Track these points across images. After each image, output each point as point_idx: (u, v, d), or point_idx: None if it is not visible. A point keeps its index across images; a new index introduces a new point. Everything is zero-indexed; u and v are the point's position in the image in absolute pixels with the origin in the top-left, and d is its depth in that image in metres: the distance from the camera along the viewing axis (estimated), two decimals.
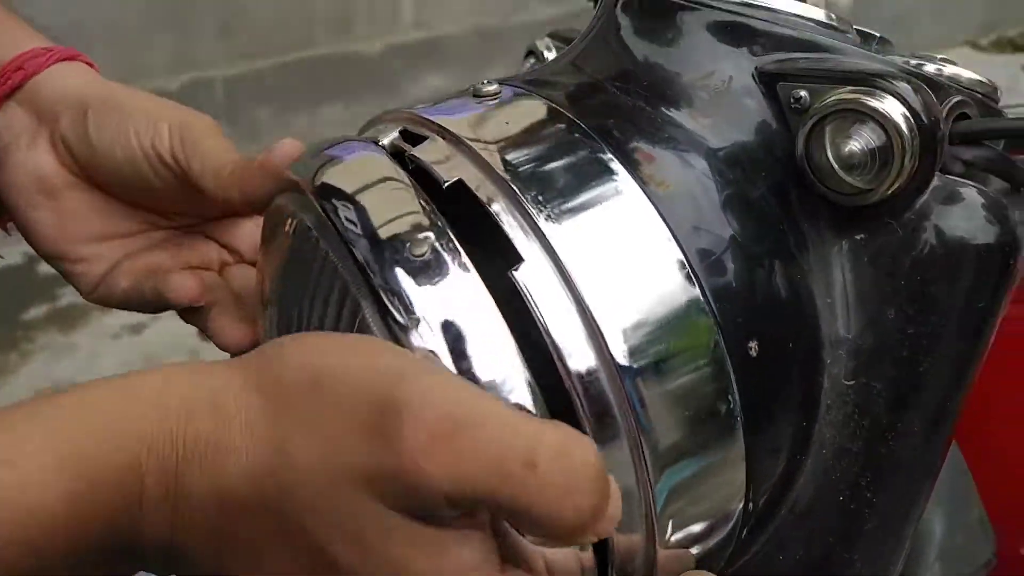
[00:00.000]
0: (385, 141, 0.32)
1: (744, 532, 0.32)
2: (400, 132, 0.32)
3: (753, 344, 0.29)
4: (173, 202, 0.42)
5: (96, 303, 0.43)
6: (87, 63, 0.44)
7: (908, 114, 0.30)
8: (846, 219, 0.32)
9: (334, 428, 0.23)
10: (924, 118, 0.30)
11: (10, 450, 0.23)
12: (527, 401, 0.25)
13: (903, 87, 0.30)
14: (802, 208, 0.33)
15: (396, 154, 0.31)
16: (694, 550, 0.30)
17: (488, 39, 3.18)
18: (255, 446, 0.23)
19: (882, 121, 0.30)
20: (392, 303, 0.25)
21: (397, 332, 0.25)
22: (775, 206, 0.32)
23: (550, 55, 0.45)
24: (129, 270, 0.42)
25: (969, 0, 3.62)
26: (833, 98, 0.31)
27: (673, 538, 0.29)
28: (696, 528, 0.30)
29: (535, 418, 0.25)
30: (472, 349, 0.25)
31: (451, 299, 0.26)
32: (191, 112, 0.41)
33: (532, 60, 0.46)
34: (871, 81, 0.30)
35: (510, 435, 0.22)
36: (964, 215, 0.32)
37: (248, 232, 0.44)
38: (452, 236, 0.27)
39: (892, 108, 0.30)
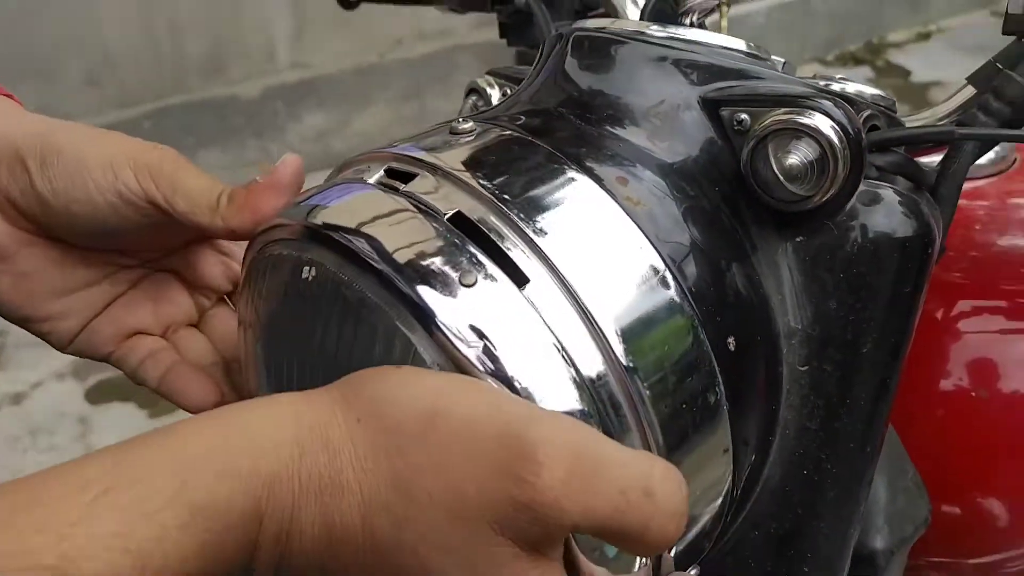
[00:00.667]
0: (372, 180, 0.34)
1: (729, 515, 0.36)
2: (385, 171, 0.34)
3: (731, 339, 0.33)
4: (138, 240, 0.41)
5: (76, 355, 0.41)
6: (6, 95, 0.41)
7: (837, 128, 0.34)
8: (788, 224, 0.37)
9: (459, 464, 0.24)
10: (850, 131, 0.34)
11: (145, 504, 0.23)
12: (576, 399, 0.28)
13: (828, 105, 0.35)
14: (750, 216, 0.37)
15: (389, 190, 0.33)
16: (691, 535, 0.33)
17: (367, 77, 3.19)
18: (368, 481, 0.24)
19: (817, 136, 0.34)
20: (455, 333, 0.27)
21: (462, 359, 0.27)
22: (728, 215, 0.36)
23: (493, 91, 0.48)
24: (111, 334, 0.41)
25: (812, 20, 3.93)
26: (771, 119, 0.35)
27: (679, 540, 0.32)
28: (695, 512, 0.33)
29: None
30: (530, 363, 0.28)
31: (504, 320, 0.28)
32: (146, 146, 0.39)
33: (475, 97, 0.49)
34: (801, 102, 0.35)
35: (629, 469, 0.25)
36: (885, 213, 0.37)
37: (212, 262, 0.43)
38: (488, 261, 0.29)
39: (823, 124, 0.34)
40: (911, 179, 0.41)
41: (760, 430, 0.36)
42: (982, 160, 0.62)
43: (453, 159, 0.33)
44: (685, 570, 0.36)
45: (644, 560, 0.30)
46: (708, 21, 0.55)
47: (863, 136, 0.35)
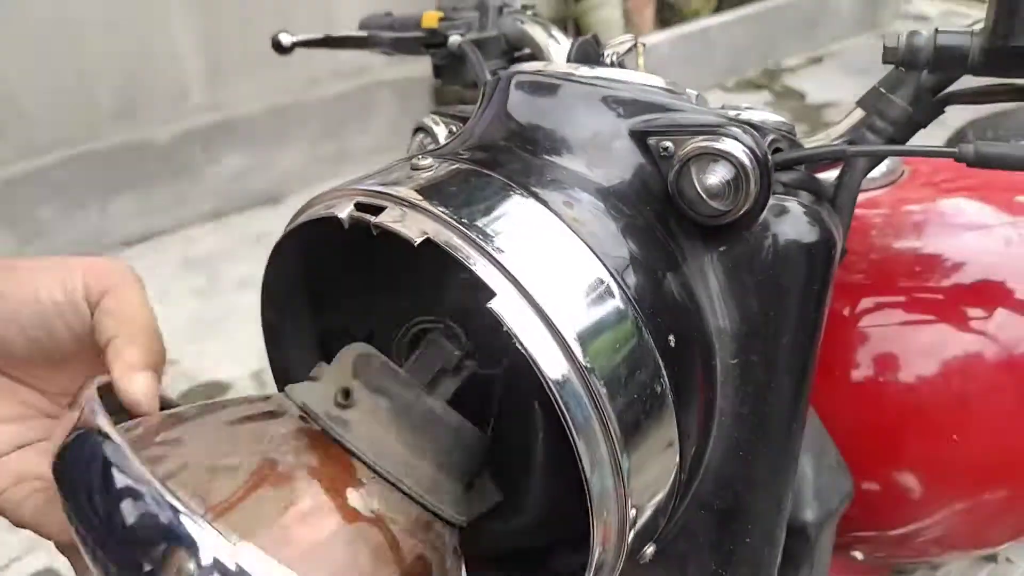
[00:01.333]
0: (343, 215, 0.37)
1: (676, 498, 0.40)
2: (355, 204, 0.38)
3: (671, 337, 0.37)
4: (55, 369, 0.41)
5: None
6: None
7: (747, 152, 0.40)
8: (711, 236, 0.42)
9: None
10: (758, 154, 0.40)
11: None
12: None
13: (739, 132, 0.40)
14: (679, 231, 0.42)
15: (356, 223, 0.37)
16: (647, 514, 0.38)
17: (284, 116, 3.19)
18: None
19: (731, 159, 0.39)
20: None
21: None
22: (660, 231, 0.41)
23: (439, 129, 0.52)
24: (33, 497, 0.39)
25: (712, 50, 4.12)
26: (692, 145, 0.40)
27: (638, 518, 0.37)
28: (648, 501, 0.37)
29: None
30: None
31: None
32: (102, 261, 0.41)
33: (422, 135, 0.53)
34: (716, 130, 0.40)
35: None
36: (792, 223, 0.42)
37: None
38: None
39: (735, 149, 0.40)
40: (812, 192, 0.47)
41: (701, 418, 0.41)
42: (875, 173, 0.69)
43: (416, 191, 0.37)
44: (643, 548, 0.41)
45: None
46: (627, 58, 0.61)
47: (769, 158, 0.41)
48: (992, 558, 0.76)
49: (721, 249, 0.42)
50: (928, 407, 0.58)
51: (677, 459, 0.38)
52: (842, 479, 0.52)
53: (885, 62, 0.47)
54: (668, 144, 0.41)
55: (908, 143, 0.50)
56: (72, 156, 2.72)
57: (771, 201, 0.42)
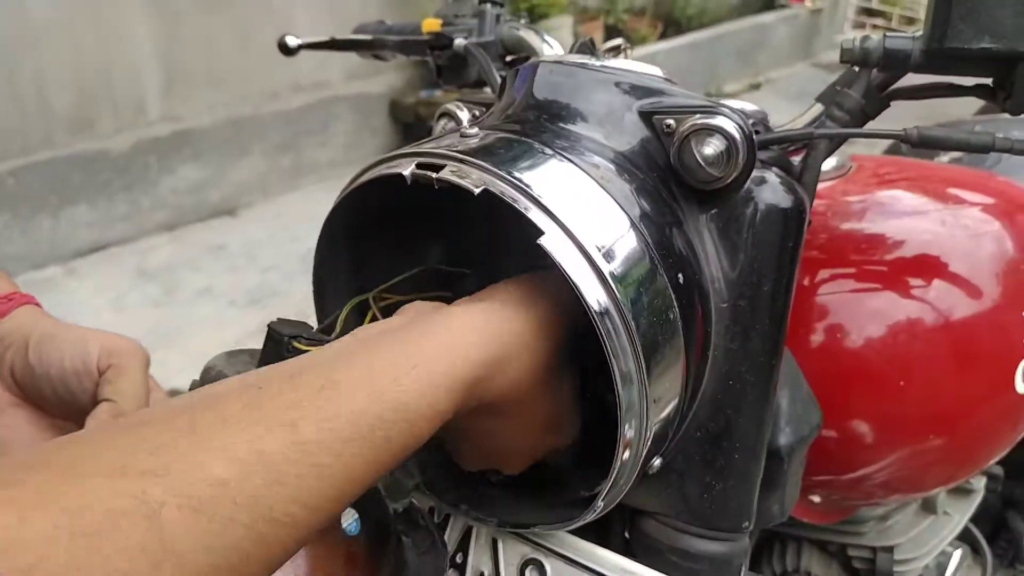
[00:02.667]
0: (407, 172, 0.44)
1: (679, 420, 0.48)
2: (416, 165, 0.45)
3: (680, 275, 0.45)
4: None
5: None
6: (35, 303, 0.55)
7: (737, 128, 0.48)
8: (706, 200, 0.50)
9: None
10: (745, 130, 0.48)
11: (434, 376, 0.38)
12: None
13: (729, 112, 0.49)
14: (680, 195, 0.50)
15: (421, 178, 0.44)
16: (661, 419, 0.45)
17: (242, 128, 3.22)
18: None
19: (724, 133, 0.48)
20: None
21: None
22: (665, 194, 0.49)
23: (463, 113, 0.59)
24: None
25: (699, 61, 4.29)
26: (691, 122, 0.48)
27: (656, 417, 0.44)
28: (660, 415, 0.45)
29: None
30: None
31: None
32: (117, 338, 0.52)
33: (445, 119, 0.60)
34: (710, 109, 0.49)
35: None
36: (771, 190, 0.51)
37: None
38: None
39: (728, 125, 0.48)
40: (785, 170, 0.56)
41: (699, 349, 0.49)
42: (827, 167, 0.79)
43: (469, 152, 0.44)
44: (652, 459, 0.48)
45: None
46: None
47: (754, 135, 0.49)
48: (932, 510, 0.86)
49: (714, 211, 0.50)
50: (876, 364, 0.68)
51: (682, 384, 0.46)
52: (812, 411, 0.60)
53: (842, 61, 0.56)
54: (671, 121, 0.49)
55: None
56: (26, 165, 2.70)
57: (754, 172, 0.50)
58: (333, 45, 0.88)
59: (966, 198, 0.78)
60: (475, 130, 0.47)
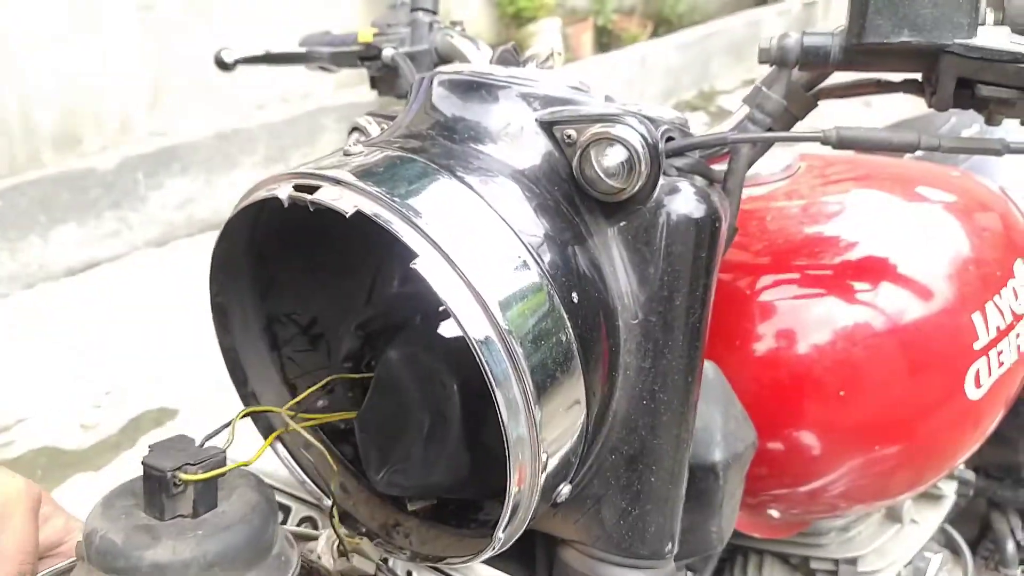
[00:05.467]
0: (284, 195, 0.42)
1: (585, 444, 0.46)
2: (294, 186, 0.43)
3: (575, 294, 0.43)
4: None
5: None
6: None
7: (639, 136, 0.46)
8: (612, 213, 0.48)
9: None
10: (649, 139, 0.46)
11: None
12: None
13: (632, 121, 0.46)
14: (584, 208, 0.48)
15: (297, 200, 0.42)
16: (562, 451, 0.43)
17: (230, 141, 3.21)
18: None
19: (624, 143, 0.45)
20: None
21: None
22: (567, 209, 0.47)
23: (372, 127, 0.57)
24: None
25: (649, 73, 4.27)
26: (591, 132, 0.46)
27: (550, 461, 0.42)
28: (559, 444, 0.43)
29: None
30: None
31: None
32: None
33: (356, 133, 0.58)
34: (612, 119, 0.46)
35: None
36: (683, 199, 0.48)
37: None
38: None
39: (628, 134, 0.46)
40: (704, 176, 0.54)
41: (606, 370, 0.46)
42: (774, 168, 0.77)
43: (348, 173, 0.42)
44: (557, 487, 0.46)
45: None
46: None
47: (660, 142, 0.47)
48: (898, 519, 0.83)
49: (622, 224, 0.48)
50: (820, 371, 0.65)
51: (584, 407, 0.44)
52: (746, 429, 0.58)
53: (760, 62, 0.54)
54: (571, 132, 0.47)
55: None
56: (12, 186, 2.70)
57: (663, 181, 0.48)
58: (269, 59, 0.87)
59: (920, 195, 0.76)
60: (359, 148, 0.45)
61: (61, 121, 2.81)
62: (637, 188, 0.46)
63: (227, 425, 0.45)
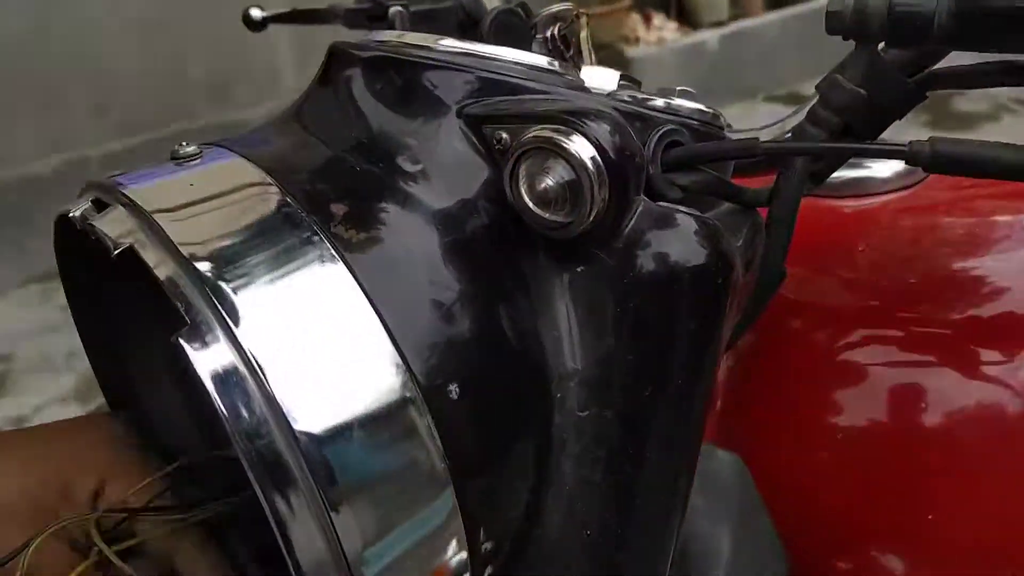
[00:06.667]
0: (76, 213, 0.31)
1: (489, 572, 0.32)
2: (92, 201, 0.31)
3: (453, 387, 0.29)
4: None
5: None
6: None
7: (595, 150, 0.30)
8: (563, 253, 0.33)
9: None
10: (611, 153, 0.30)
11: None
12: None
13: (592, 125, 0.31)
14: (522, 247, 0.33)
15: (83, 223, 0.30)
16: None
17: None
18: None
19: (568, 156, 0.30)
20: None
21: None
22: (488, 248, 0.32)
23: None
24: None
25: (825, 35, 3.84)
26: (526, 136, 0.31)
27: None
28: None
29: None
30: None
31: None
32: None
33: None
34: (562, 119, 0.31)
35: None
36: (677, 239, 0.32)
37: None
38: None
39: (580, 146, 0.30)
40: (731, 200, 0.37)
41: (524, 483, 0.32)
42: (886, 173, 0.57)
43: (153, 192, 0.29)
44: None
45: None
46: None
47: (635, 158, 0.31)
48: None
49: (578, 269, 0.33)
50: (919, 472, 0.46)
51: (465, 547, 0.29)
52: (772, 559, 0.41)
53: (830, 31, 0.36)
54: (504, 134, 0.32)
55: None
56: (167, 135, 2.81)
57: (645, 209, 0.32)
58: (295, 17, 0.76)
59: None
60: (193, 148, 0.32)
61: (214, 76, 2.89)
62: (590, 222, 0.31)
63: (22, 550, 0.34)
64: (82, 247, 0.33)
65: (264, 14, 0.77)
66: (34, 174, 2.54)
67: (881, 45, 0.36)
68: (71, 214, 0.31)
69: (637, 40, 3.36)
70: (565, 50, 0.51)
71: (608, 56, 3.23)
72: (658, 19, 3.47)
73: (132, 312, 0.39)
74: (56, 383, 2.21)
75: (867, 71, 0.36)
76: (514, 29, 0.49)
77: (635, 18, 3.41)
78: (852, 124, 0.37)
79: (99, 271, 0.37)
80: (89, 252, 0.33)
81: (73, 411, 2.15)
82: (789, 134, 0.41)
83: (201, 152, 0.32)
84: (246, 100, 2.98)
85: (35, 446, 0.38)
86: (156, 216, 0.28)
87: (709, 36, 3.52)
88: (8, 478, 0.35)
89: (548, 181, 0.31)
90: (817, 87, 0.39)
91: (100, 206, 0.31)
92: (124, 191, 0.30)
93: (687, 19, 3.56)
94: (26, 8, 2.43)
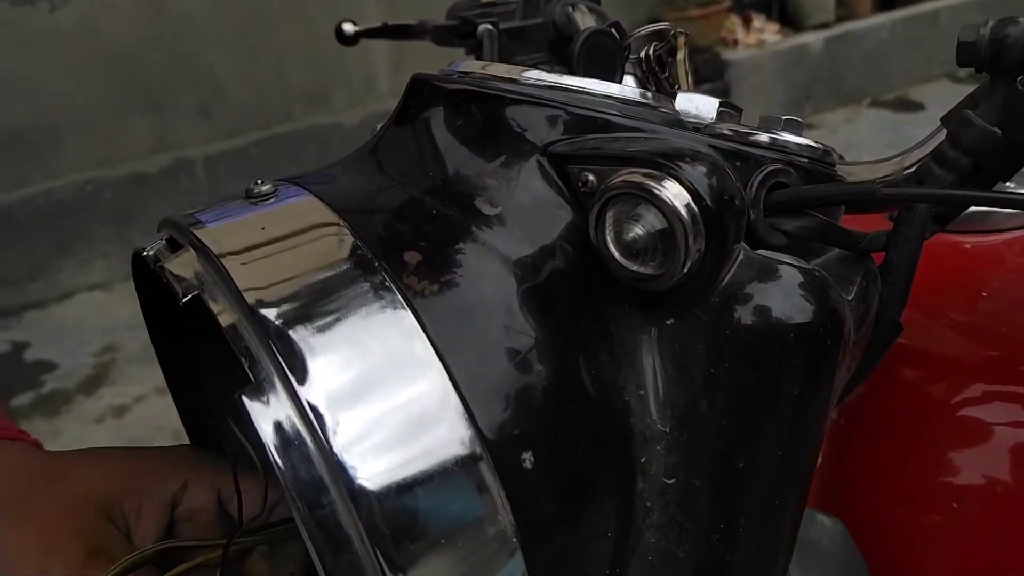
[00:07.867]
0: (150, 252, 0.30)
1: None
2: (166, 240, 0.30)
3: (527, 455, 0.27)
4: None
5: None
6: (29, 441, 0.41)
7: (690, 197, 0.27)
8: (653, 305, 0.30)
9: None
10: (708, 200, 0.28)
11: None
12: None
13: (688, 168, 0.28)
14: (606, 296, 0.30)
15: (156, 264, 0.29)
16: None
17: None
18: None
19: (660, 206, 0.28)
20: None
21: None
22: (568, 296, 0.30)
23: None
24: None
25: (941, 35, 3.65)
26: (617, 180, 0.29)
27: None
28: None
29: None
30: None
31: None
32: None
33: None
34: (656, 163, 0.28)
35: None
36: (779, 293, 0.29)
37: None
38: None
39: (674, 192, 0.28)
40: (841, 246, 0.34)
41: (602, 555, 0.29)
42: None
43: (223, 234, 0.28)
44: None
45: None
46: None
47: (734, 203, 0.28)
48: None
49: (668, 323, 0.30)
50: None
51: None
52: None
53: (960, 63, 0.32)
54: (590, 176, 0.30)
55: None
56: (267, 137, 2.90)
57: (746, 258, 0.29)
58: (386, 32, 0.75)
59: None
60: (268, 186, 0.31)
61: (312, 80, 2.96)
62: (683, 274, 0.28)
63: None
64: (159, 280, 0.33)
65: (356, 29, 0.77)
66: (141, 172, 2.66)
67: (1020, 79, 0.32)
68: (145, 253, 0.30)
69: (736, 43, 3.27)
70: (660, 71, 0.49)
71: (705, 60, 3.15)
72: (758, 21, 3.36)
73: (210, 348, 0.38)
74: (156, 374, 2.31)
75: (1004, 108, 0.32)
76: (607, 51, 0.46)
77: (734, 20, 3.32)
78: (983, 165, 0.33)
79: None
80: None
81: (170, 402, 2.23)
82: (909, 168, 0.37)
83: (276, 190, 0.31)
84: (342, 105, 3.04)
85: (118, 455, 0.38)
86: (224, 260, 0.27)
87: (813, 38, 3.39)
88: (88, 478, 0.36)
89: (637, 230, 0.28)
90: (944, 123, 0.35)
91: (173, 245, 0.30)
92: (196, 231, 0.29)
93: (789, 21, 3.44)
94: (139, 17, 2.55)
